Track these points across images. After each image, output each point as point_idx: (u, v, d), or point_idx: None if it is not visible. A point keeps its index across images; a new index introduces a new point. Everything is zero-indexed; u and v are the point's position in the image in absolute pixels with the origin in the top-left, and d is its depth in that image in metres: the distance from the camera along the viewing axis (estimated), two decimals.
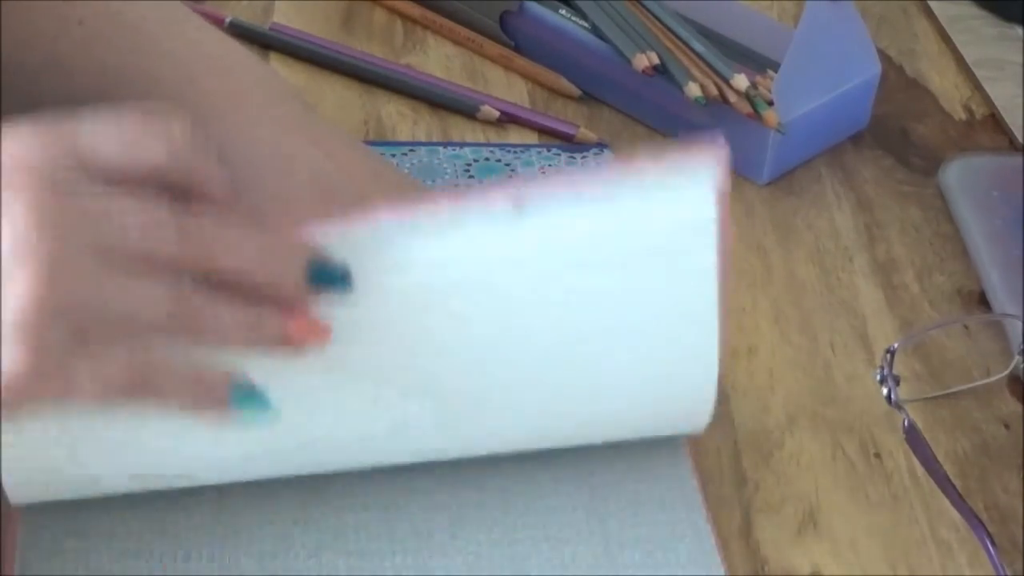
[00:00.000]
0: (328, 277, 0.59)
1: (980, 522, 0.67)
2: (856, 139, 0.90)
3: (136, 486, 0.63)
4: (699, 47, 0.88)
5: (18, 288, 0.53)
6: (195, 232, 0.56)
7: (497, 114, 0.89)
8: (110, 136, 0.56)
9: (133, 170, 0.56)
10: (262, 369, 0.59)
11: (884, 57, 0.93)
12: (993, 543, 0.66)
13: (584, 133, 0.89)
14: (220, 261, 0.57)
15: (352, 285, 0.59)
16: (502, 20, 0.94)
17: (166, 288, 0.56)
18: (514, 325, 0.62)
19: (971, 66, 0.96)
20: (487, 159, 0.86)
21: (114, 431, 0.60)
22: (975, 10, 1.00)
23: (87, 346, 0.55)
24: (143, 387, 0.57)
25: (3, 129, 0.55)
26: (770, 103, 0.84)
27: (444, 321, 0.61)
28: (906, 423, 0.71)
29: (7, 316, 0.53)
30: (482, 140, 0.88)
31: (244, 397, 0.59)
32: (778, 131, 0.84)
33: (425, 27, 0.97)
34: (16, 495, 0.61)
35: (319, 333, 0.59)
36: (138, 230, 0.55)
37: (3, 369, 0.54)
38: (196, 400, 0.58)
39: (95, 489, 0.63)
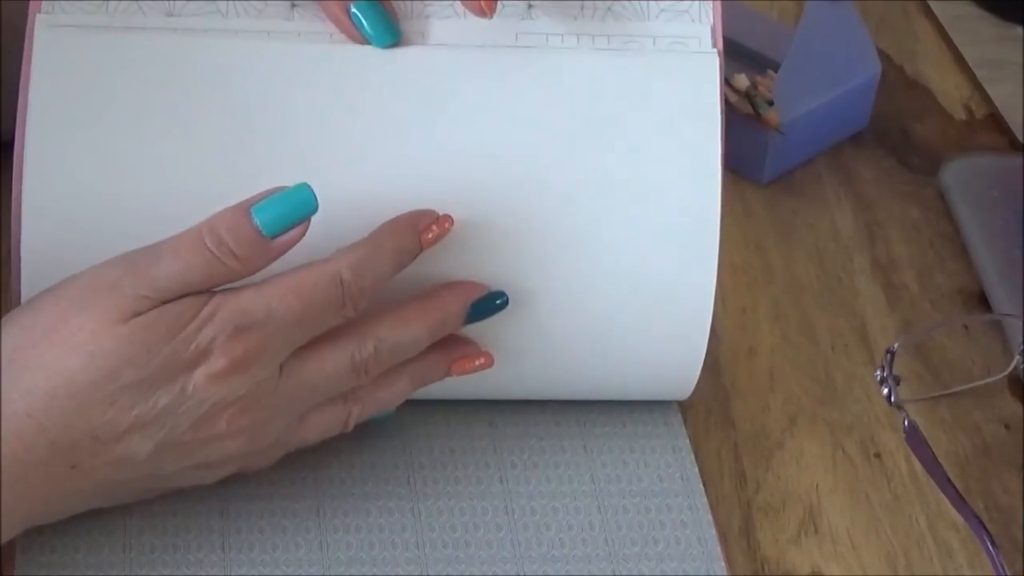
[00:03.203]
0: (488, 310, 0.65)
1: (980, 522, 0.67)
2: (856, 139, 0.90)
3: None
4: None
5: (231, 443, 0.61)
6: (370, 362, 0.62)
7: None
8: (288, 309, 0.60)
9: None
10: None
11: (884, 57, 0.93)
12: (993, 543, 0.66)
13: None
14: (395, 361, 0.64)
15: (508, 300, 0.65)
16: None
17: (346, 406, 0.64)
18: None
19: (971, 66, 0.96)
20: None
21: None
22: (975, 10, 1.00)
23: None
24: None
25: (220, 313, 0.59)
26: (770, 103, 0.84)
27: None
28: (906, 423, 0.71)
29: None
30: None
31: None
32: (778, 131, 0.84)
33: None
34: None
35: (483, 364, 0.66)
36: (323, 389, 0.62)
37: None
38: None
39: None
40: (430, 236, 0.63)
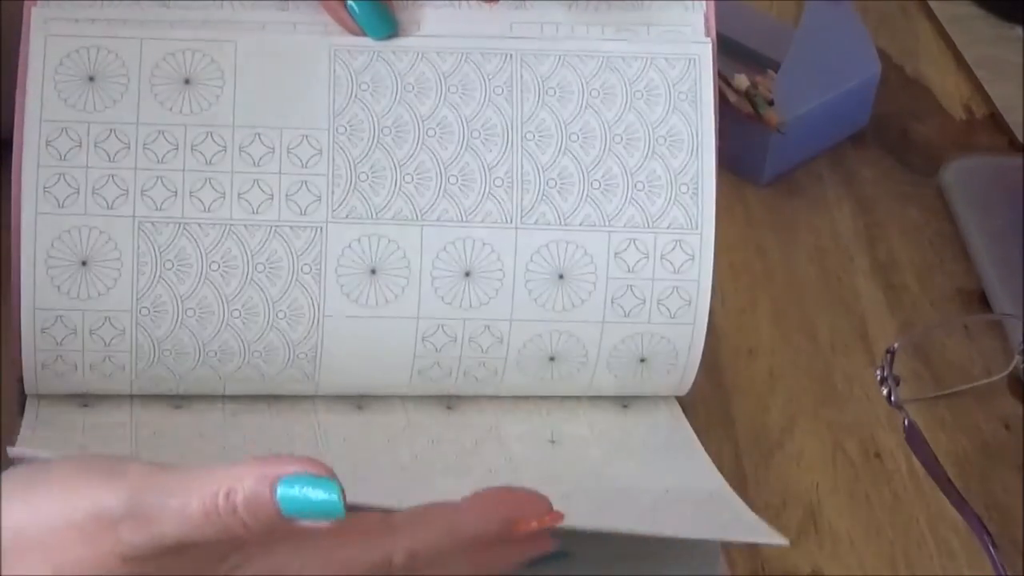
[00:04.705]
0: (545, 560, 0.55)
1: (980, 522, 0.67)
2: (856, 139, 0.90)
3: None
4: None
5: None
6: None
7: None
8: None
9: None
10: None
11: (884, 57, 0.93)
12: (993, 543, 0.66)
13: None
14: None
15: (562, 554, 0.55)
16: None
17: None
18: None
19: (971, 66, 0.96)
20: None
21: None
22: (975, 10, 1.00)
23: None
24: None
25: None
26: (770, 103, 0.84)
27: None
28: (906, 423, 0.71)
29: None
30: None
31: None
32: (778, 131, 0.84)
33: None
34: None
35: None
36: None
37: None
38: None
39: None
40: (523, 532, 0.53)
